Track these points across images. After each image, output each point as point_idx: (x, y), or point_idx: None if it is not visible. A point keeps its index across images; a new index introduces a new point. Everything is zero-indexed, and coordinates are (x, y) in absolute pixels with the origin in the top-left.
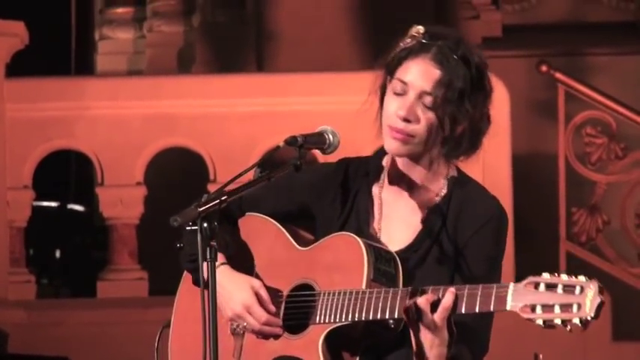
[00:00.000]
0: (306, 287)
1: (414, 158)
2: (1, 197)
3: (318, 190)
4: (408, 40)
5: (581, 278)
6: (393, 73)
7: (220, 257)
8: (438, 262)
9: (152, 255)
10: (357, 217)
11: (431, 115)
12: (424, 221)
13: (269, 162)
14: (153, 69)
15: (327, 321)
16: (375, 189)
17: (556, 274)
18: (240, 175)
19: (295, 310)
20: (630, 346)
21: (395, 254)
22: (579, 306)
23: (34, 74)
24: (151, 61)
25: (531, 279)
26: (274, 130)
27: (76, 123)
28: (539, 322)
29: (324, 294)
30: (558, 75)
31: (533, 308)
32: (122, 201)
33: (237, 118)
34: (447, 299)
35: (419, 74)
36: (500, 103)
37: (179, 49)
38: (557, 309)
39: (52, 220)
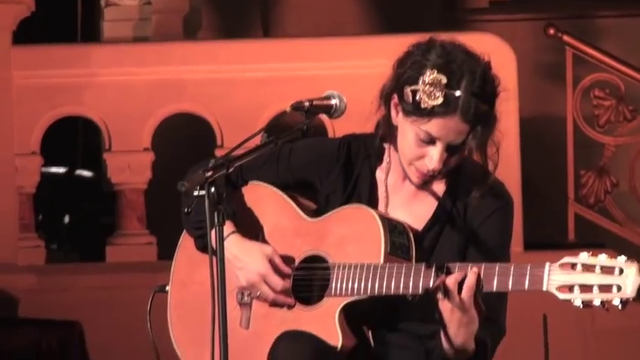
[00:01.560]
0: (316, 259)
1: None
2: (9, 163)
3: (320, 168)
4: (429, 90)
5: (620, 259)
6: (415, 117)
7: (229, 225)
8: (449, 250)
9: (160, 220)
10: (360, 200)
11: (456, 155)
12: (433, 208)
13: (276, 127)
14: (159, 35)
15: (343, 294)
16: (378, 172)
17: (591, 254)
18: (247, 140)
19: (307, 281)
20: (639, 307)
21: (406, 226)
22: (619, 287)
23: (41, 41)
24: (156, 27)
25: (568, 259)
26: (281, 95)
27: (83, 90)
28: (578, 302)
29: (339, 266)
30: (566, 38)
31: (570, 288)
32: (130, 167)
33: (244, 83)
34: (471, 279)
35: (449, 131)
36: (508, 66)
37: (185, 15)
38: (595, 289)
39: (60, 186)
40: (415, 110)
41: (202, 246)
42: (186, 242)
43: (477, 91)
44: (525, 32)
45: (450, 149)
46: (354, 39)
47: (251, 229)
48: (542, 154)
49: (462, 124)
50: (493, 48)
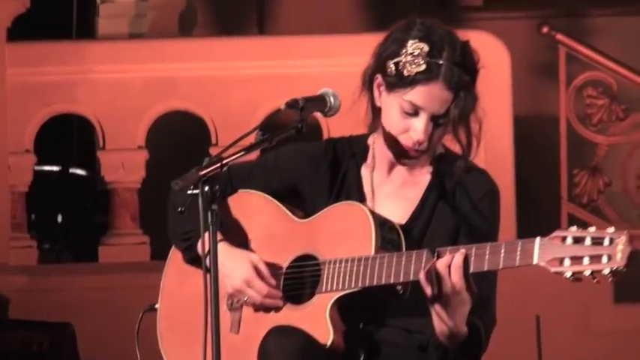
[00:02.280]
0: (308, 258)
1: None
2: (2, 162)
3: (307, 170)
4: (411, 59)
5: (610, 229)
6: (398, 89)
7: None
8: (439, 240)
9: (154, 219)
10: (348, 197)
11: (441, 130)
12: (419, 197)
13: (270, 125)
14: (154, 32)
15: (334, 289)
16: (364, 169)
17: (583, 228)
18: (241, 138)
19: (298, 280)
20: (632, 308)
21: (395, 223)
22: (610, 257)
23: (36, 38)
24: (152, 24)
25: (558, 232)
26: (276, 93)
27: (77, 87)
28: (568, 274)
29: (330, 262)
30: (559, 36)
31: (561, 261)
32: (124, 165)
33: (239, 81)
34: (457, 259)
35: (432, 99)
36: (502, 64)
37: (180, 11)
38: (586, 260)
39: (53, 185)
40: (398, 81)
41: (190, 258)
42: (175, 255)
43: (458, 61)
44: (519, 31)
45: (435, 121)
46: (348, 37)
47: (242, 236)
48: (535, 153)
49: (445, 92)
50: (487, 46)
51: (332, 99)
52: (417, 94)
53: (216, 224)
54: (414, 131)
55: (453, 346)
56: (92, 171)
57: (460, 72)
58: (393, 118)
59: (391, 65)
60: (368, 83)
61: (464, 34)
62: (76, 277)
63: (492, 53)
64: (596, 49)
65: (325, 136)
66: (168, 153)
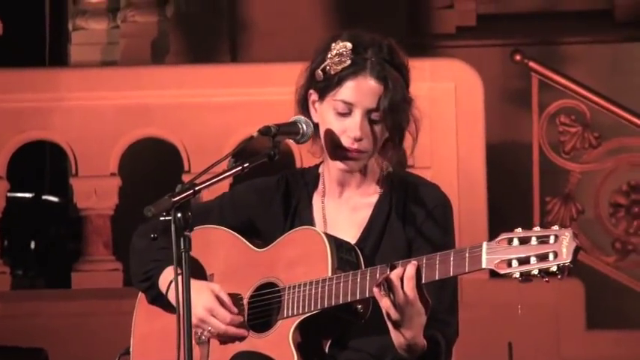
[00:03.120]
0: (269, 286)
1: None
2: None
3: (261, 205)
4: (337, 59)
5: (554, 227)
6: (328, 91)
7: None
8: (391, 257)
9: (127, 246)
10: (301, 225)
11: (379, 127)
12: (368, 216)
13: (243, 152)
14: (127, 59)
15: (295, 313)
16: (315, 197)
17: (528, 228)
18: (214, 165)
19: (261, 309)
20: (604, 335)
21: (353, 245)
22: (556, 254)
23: (8, 65)
24: (124, 51)
25: (504, 235)
26: (248, 120)
27: (50, 114)
28: (517, 275)
29: (289, 288)
30: (532, 64)
31: (509, 263)
32: (96, 192)
33: (212, 108)
34: (409, 270)
35: (362, 94)
36: (475, 92)
37: (153, 39)
38: (533, 260)
39: (26, 211)
40: (328, 84)
41: (153, 297)
42: (143, 296)
43: (386, 57)
44: (492, 58)
45: (369, 116)
46: None
47: (203, 270)
48: (507, 180)
49: (373, 84)
50: (460, 74)
51: (304, 126)
52: (346, 91)
53: (188, 251)
54: (350, 129)
55: (412, 357)
56: (65, 198)
57: (387, 66)
58: (329, 123)
59: (319, 72)
60: (303, 103)
61: (437, 62)
62: (49, 303)
63: (465, 81)
64: (569, 76)
65: (298, 163)
66: (141, 180)
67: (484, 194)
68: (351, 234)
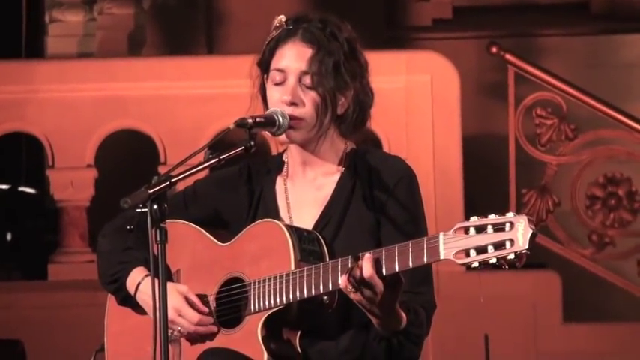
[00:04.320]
0: (235, 280)
1: (310, 144)
2: None
3: (224, 195)
4: (274, 32)
5: (509, 215)
6: (268, 66)
7: (143, 270)
8: (358, 231)
9: None
10: (265, 211)
11: (313, 94)
12: (330, 194)
13: (220, 144)
14: (103, 51)
15: (261, 308)
16: (278, 182)
17: (484, 216)
18: (190, 157)
19: (228, 304)
20: (581, 328)
21: (317, 233)
22: (512, 241)
23: None
24: (101, 43)
25: (460, 225)
26: (225, 112)
27: (26, 106)
28: (475, 264)
29: (254, 282)
30: (508, 56)
31: (467, 253)
32: (73, 183)
33: (188, 100)
34: (366, 269)
35: (292, 57)
36: (451, 84)
37: (129, 31)
38: (490, 249)
39: (2, 203)
40: (267, 57)
41: (122, 298)
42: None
43: (318, 26)
44: (468, 50)
45: (303, 83)
46: None
47: (169, 267)
48: (484, 172)
49: (302, 47)
50: (436, 66)
51: (280, 118)
52: (278, 59)
53: (164, 242)
54: (283, 94)
55: (394, 333)
56: (41, 189)
57: (320, 33)
58: (270, 96)
59: (262, 51)
60: (262, 91)
61: (413, 54)
62: (25, 294)
63: (441, 73)
64: (545, 69)
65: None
66: (118, 171)
67: (460, 186)
68: (313, 212)
